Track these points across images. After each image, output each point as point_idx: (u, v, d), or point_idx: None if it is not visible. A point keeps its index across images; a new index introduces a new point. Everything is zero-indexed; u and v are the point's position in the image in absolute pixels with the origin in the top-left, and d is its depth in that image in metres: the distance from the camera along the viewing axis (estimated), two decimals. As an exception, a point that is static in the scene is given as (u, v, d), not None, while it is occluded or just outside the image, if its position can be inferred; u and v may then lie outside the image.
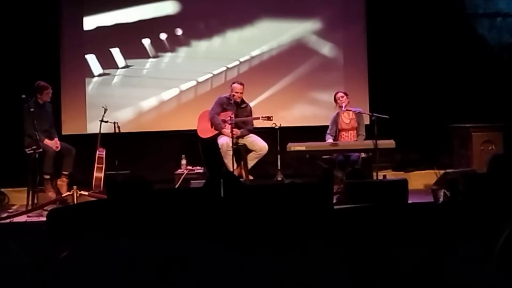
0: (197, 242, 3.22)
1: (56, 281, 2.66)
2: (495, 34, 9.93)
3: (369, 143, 8.22)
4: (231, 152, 8.46)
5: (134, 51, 9.50)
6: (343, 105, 8.55)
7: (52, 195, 8.19)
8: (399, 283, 3.15)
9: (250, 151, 8.76)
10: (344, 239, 3.56)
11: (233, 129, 8.46)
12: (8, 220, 7.20)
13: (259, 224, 3.86)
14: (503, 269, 2.76)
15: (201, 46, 9.63)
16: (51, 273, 2.67)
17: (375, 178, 8.02)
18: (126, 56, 9.49)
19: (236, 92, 8.72)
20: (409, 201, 5.76)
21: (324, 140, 8.59)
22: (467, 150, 8.78)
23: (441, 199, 5.63)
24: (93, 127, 9.09)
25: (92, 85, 9.51)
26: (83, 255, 2.74)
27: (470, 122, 8.82)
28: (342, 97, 8.61)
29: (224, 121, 8.64)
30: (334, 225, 3.85)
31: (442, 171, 7.65)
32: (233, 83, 8.82)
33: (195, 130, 8.95)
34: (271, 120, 8.52)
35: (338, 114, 8.74)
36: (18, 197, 8.56)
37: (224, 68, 9.61)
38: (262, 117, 8.58)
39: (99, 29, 9.47)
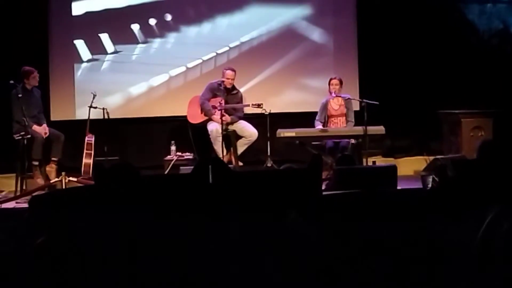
0: (184, 228, 3.21)
1: (34, 266, 2.65)
2: (485, 20, 9.92)
3: (359, 129, 8.21)
4: (220, 138, 8.46)
5: (123, 37, 9.43)
6: (333, 92, 8.54)
7: (40, 181, 8.16)
8: (388, 269, 3.15)
9: (240, 137, 8.75)
10: (333, 225, 3.55)
11: (223, 115, 8.44)
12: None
13: (247, 210, 3.85)
14: (485, 253, 2.77)
15: (190, 31, 9.58)
16: (30, 258, 2.67)
17: (364, 164, 8.02)
18: (115, 41, 9.43)
19: (227, 78, 8.68)
20: (399, 187, 5.76)
21: (314, 126, 8.58)
22: (456, 136, 8.77)
23: (429, 185, 5.63)
24: (82, 113, 9.04)
25: (80, 71, 9.46)
26: (62, 240, 2.73)
27: (459, 108, 8.81)
28: (337, 84, 8.58)
29: (214, 107, 8.62)
30: (323, 211, 3.85)
31: (431, 157, 7.65)
32: (225, 69, 8.79)
33: (185, 116, 8.93)
34: (262, 107, 8.50)
35: (327, 101, 8.73)
36: (7, 183, 8.52)
37: (214, 54, 9.56)
38: (252, 104, 8.55)
39: (88, 14, 9.40)
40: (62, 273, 2.71)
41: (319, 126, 8.54)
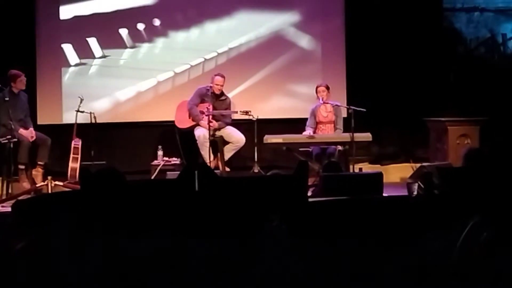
0: (170, 234, 3.21)
1: (15, 271, 2.64)
2: (472, 29, 9.99)
3: (346, 136, 8.23)
4: (207, 144, 8.46)
5: (111, 41, 9.42)
6: (321, 98, 8.57)
7: (26, 185, 8.13)
8: (372, 274, 3.16)
9: (227, 143, 8.75)
10: (319, 232, 3.56)
11: (211, 121, 8.45)
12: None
13: (233, 216, 3.84)
14: (463, 262, 2.79)
15: (179, 37, 9.58)
16: (11, 264, 2.65)
17: (351, 171, 8.03)
18: (103, 46, 9.41)
19: (217, 84, 8.69)
20: (385, 194, 5.77)
21: (301, 132, 8.59)
22: (443, 144, 8.81)
23: (415, 192, 5.65)
24: (69, 117, 9.00)
25: (68, 75, 9.43)
26: (43, 245, 2.72)
27: (446, 116, 8.84)
28: (323, 91, 8.61)
29: (202, 113, 8.62)
30: (309, 218, 3.85)
31: (418, 165, 7.68)
32: (215, 74, 8.78)
33: (172, 121, 8.92)
34: (249, 114, 8.50)
35: (316, 107, 8.75)
36: (-8, 187, 8.48)
37: (202, 60, 9.56)
38: (240, 111, 8.57)
39: (76, 18, 9.38)
40: (42, 279, 2.70)
41: (309, 131, 8.55)
